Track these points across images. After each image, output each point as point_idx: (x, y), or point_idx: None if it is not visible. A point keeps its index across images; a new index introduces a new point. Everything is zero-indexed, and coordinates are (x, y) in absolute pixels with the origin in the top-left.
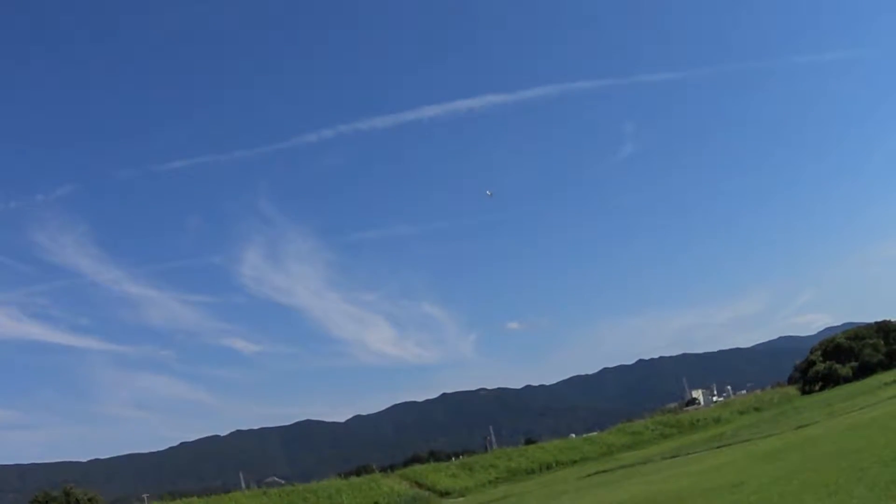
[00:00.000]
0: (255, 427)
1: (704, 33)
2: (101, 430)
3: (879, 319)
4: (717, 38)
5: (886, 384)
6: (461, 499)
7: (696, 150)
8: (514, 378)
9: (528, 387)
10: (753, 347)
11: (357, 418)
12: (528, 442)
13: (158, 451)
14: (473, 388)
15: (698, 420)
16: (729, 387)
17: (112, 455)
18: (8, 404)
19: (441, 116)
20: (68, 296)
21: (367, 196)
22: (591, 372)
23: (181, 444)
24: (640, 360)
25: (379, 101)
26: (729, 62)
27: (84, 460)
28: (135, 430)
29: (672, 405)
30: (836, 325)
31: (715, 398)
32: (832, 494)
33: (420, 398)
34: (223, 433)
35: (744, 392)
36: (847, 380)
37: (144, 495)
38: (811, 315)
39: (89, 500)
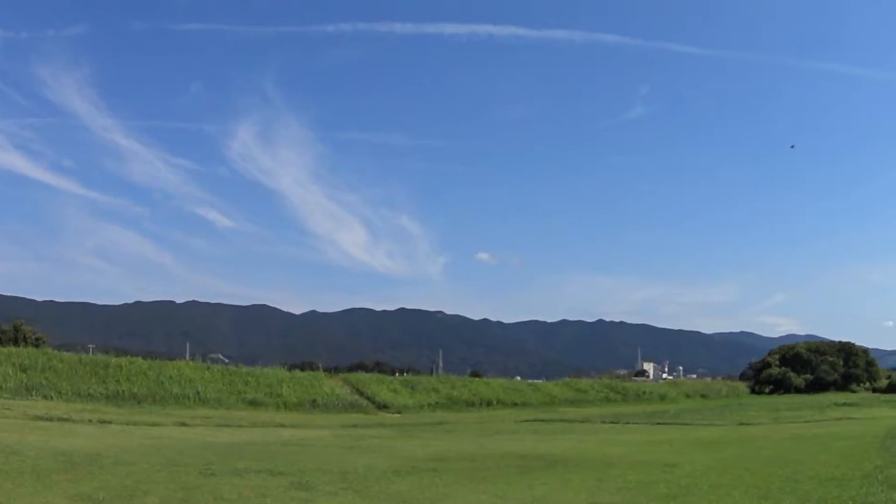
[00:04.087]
0: (212, 301)
1: (742, 19)
2: (61, 273)
3: (842, 339)
4: (751, 27)
5: (837, 405)
6: (397, 415)
7: (704, 130)
8: (474, 309)
9: (485, 320)
10: (713, 335)
11: (312, 314)
12: (474, 374)
13: (112, 305)
14: (432, 310)
15: (644, 392)
16: (681, 367)
17: (67, 300)
18: None
19: (460, 36)
20: (57, 135)
21: (369, 98)
22: (549, 320)
23: (136, 302)
24: (601, 321)
25: (403, 6)
26: (758, 52)
27: (39, 300)
28: (94, 280)
29: (622, 372)
30: (799, 333)
31: (665, 375)
32: (762, 499)
33: (378, 308)
34: (179, 300)
35: (694, 376)
36: (798, 390)
37: (91, 346)
38: (777, 318)
39: (37, 339)
